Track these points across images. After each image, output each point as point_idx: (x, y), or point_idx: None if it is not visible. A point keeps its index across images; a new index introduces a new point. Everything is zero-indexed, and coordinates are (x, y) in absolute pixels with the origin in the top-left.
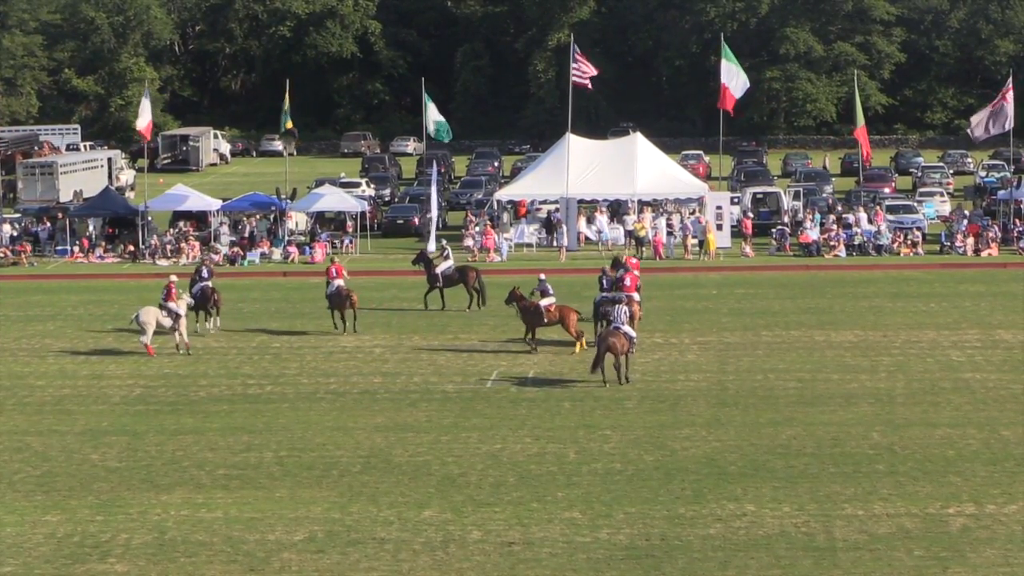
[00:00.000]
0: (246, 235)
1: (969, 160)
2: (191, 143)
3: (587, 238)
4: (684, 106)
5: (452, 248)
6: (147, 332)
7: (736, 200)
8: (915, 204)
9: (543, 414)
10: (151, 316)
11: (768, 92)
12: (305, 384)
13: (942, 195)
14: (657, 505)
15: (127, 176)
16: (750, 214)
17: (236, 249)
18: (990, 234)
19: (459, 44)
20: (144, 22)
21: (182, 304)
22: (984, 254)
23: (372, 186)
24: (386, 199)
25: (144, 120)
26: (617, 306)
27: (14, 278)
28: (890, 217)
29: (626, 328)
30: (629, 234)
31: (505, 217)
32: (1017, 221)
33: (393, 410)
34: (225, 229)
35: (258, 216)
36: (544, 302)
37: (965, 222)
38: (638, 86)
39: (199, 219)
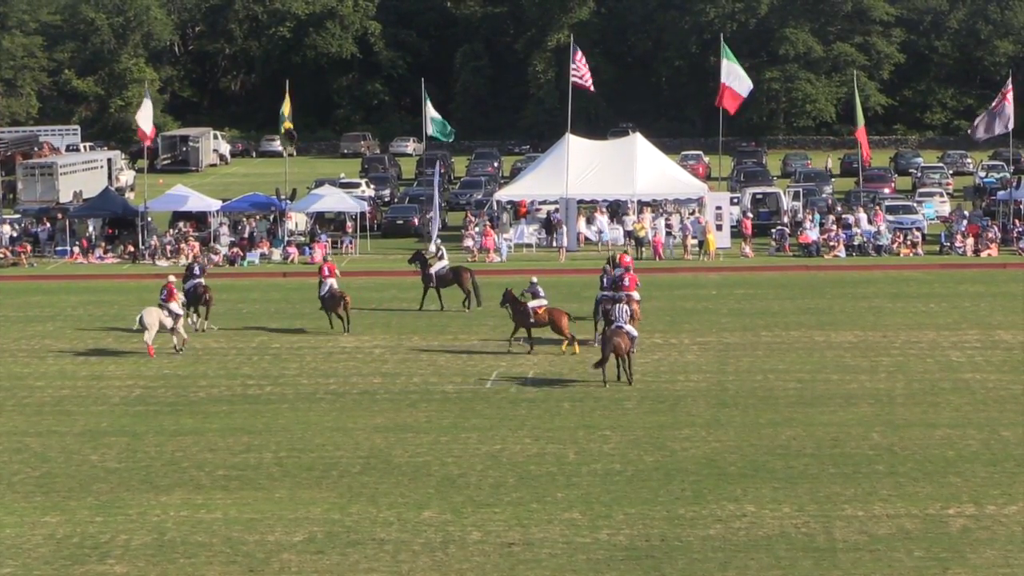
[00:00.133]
0: (246, 236)
1: (969, 160)
2: (191, 144)
3: (587, 238)
4: (684, 106)
5: (452, 248)
6: (151, 332)
7: (736, 200)
8: (915, 204)
9: (543, 415)
10: (154, 317)
11: (767, 92)
12: (305, 385)
13: (942, 195)
14: (657, 506)
15: (127, 177)
16: (750, 214)
17: (236, 250)
18: (990, 234)
19: (459, 45)
20: (144, 23)
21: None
22: (984, 254)
23: (372, 187)
24: (386, 200)
25: (148, 124)
26: (618, 305)
27: (14, 279)
28: (890, 217)
29: (628, 327)
30: (628, 234)
31: (505, 217)
32: (1017, 221)
33: (393, 411)
34: (225, 230)
35: (258, 217)
36: (533, 304)
37: (965, 222)
38: (638, 87)
39: (199, 220)
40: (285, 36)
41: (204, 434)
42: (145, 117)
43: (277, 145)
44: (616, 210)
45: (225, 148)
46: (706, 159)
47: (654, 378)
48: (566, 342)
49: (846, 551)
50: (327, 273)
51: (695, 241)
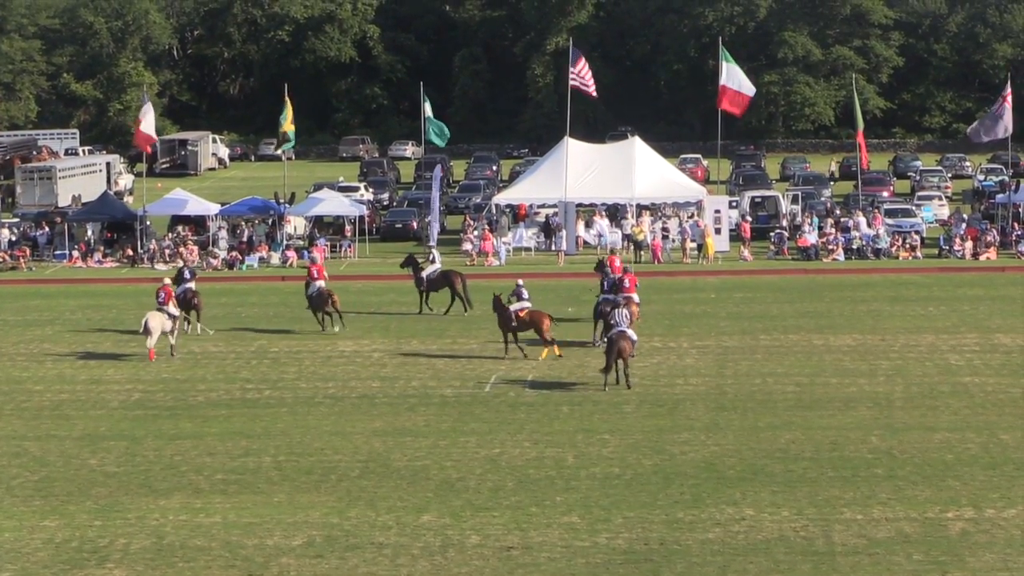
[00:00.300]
0: (244, 240)
1: (967, 164)
2: (190, 147)
3: (585, 242)
4: (682, 110)
5: (451, 252)
6: (153, 336)
7: (734, 204)
8: (913, 208)
9: (542, 418)
10: (158, 321)
11: (766, 96)
12: (303, 388)
13: (940, 199)
14: (656, 509)
15: (126, 180)
16: (748, 218)
17: (234, 254)
18: (988, 238)
19: (457, 48)
20: (143, 27)
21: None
22: (982, 258)
23: (370, 190)
24: (385, 203)
25: (151, 130)
26: (617, 310)
27: (12, 283)
28: (888, 221)
29: (629, 331)
30: (627, 238)
31: (504, 221)
32: (1015, 225)
33: (391, 414)
34: (223, 234)
35: (256, 221)
36: (515, 307)
37: (963, 226)
38: (636, 90)
39: (197, 224)
40: (284, 40)
41: (203, 438)
42: (148, 123)
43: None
44: (614, 214)
45: (224, 152)
46: (705, 163)
47: (653, 382)
48: (546, 349)
49: (845, 555)
50: (315, 275)
51: (694, 245)
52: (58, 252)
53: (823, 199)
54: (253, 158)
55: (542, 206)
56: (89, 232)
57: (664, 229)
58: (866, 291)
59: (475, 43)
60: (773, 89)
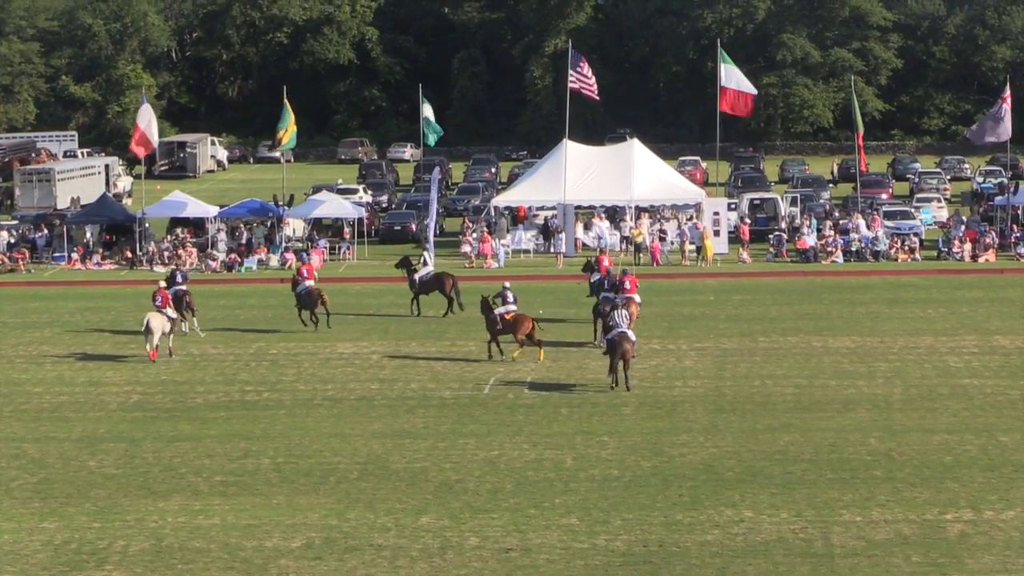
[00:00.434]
0: (243, 242)
1: (966, 166)
2: (188, 150)
3: (584, 244)
4: (681, 112)
5: (450, 254)
6: (155, 336)
7: (733, 206)
8: (912, 210)
9: (540, 420)
10: (159, 321)
11: (765, 98)
12: (302, 391)
13: (939, 201)
14: (654, 511)
15: (124, 183)
16: (747, 220)
17: (233, 256)
18: (987, 240)
19: (456, 50)
20: (141, 29)
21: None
22: (981, 260)
23: (369, 192)
24: (383, 205)
25: (153, 132)
26: (616, 311)
27: (11, 285)
28: (887, 223)
29: (629, 332)
30: (625, 240)
31: (502, 223)
32: (1014, 227)
33: (390, 416)
34: (222, 236)
35: (255, 223)
36: (500, 310)
37: (962, 228)
38: (635, 92)
39: (196, 226)
40: (283, 42)
41: (202, 440)
42: (151, 129)
43: (275, 151)
44: (613, 216)
45: (222, 154)
46: (703, 165)
47: (652, 384)
48: (517, 348)
49: (844, 557)
50: (305, 275)
51: (693, 247)
52: (57, 254)
53: (822, 201)
54: (252, 160)
55: (541, 208)
56: (88, 234)
57: (661, 231)
58: (865, 293)
59: (474, 45)
60: (772, 91)
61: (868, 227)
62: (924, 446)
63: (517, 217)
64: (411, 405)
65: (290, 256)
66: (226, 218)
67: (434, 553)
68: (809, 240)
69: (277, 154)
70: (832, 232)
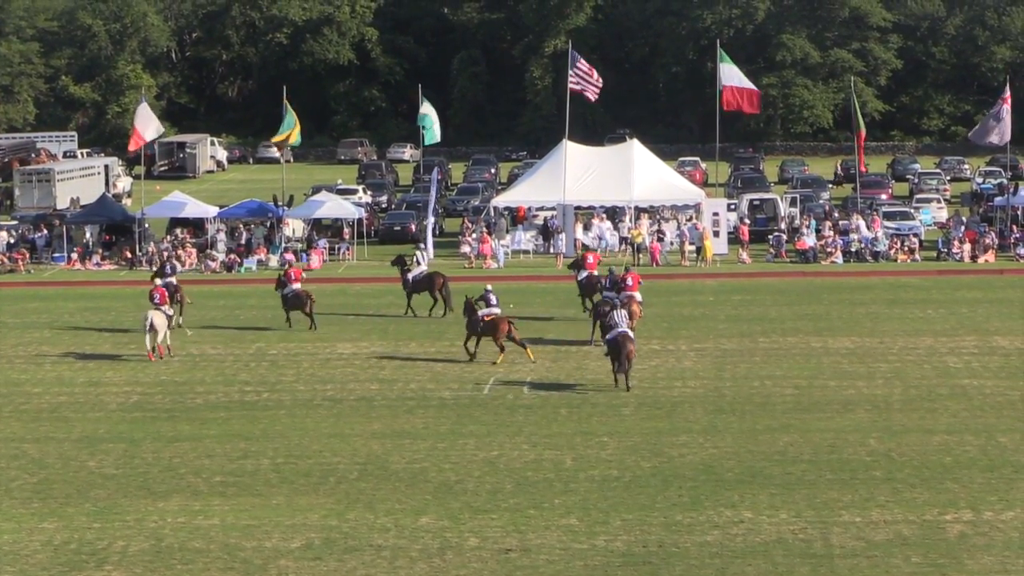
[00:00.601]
0: (243, 242)
1: (966, 166)
2: (188, 150)
3: (584, 245)
4: (680, 112)
5: (450, 255)
6: (159, 333)
7: (733, 207)
8: (912, 211)
9: (540, 421)
10: (162, 319)
11: (765, 99)
12: (302, 391)
13: (939, 201)
14: (654, 512)
15: (124, 183)
16: (747, 220)
17: (233, 256)
18: (987, 240)
19: (456, 51)
20: (141, 29)
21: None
22: (981, 260)
23: (369, 193)
24: (383, 206)
25: (149, 127)
26: (615, 311)
27: (11, 285)
28: (887, 223)
29: (630, 332)
30: (623, 240)
31: (502, 223)
32: (1014, 227)
33: (390, 417)
34: (222, 236)
35: (255, 223)
36: (483, 312)
37: (962, 228)
38: (635, 93)
39: (196, 226)
40: (282, 42)
41: (201, 440)
42: (150, 128)
43: (275, 151)
44: (612, 216)
45: (222, 154)
46: (703, 165)
47: (651, 384)
48: (499, 354)
49: (843, 557)
50: (293, 278)
51: (692, 247)
52: (56, 255)
53: (821, 202)
54: (251, 160)
55: (540, 208)
56: (87, 235)
57: (659, 232)
58: (864, 294)
59: (473, 45)
60: (771, 92)
61: (868, 228)
62: (924, 447)
63: (517, 217)
64: (411, 405)
65: (290, 256)
66: (226, 218)
67: (433, 553)
68: (809, 241)
69: (277, 153)
70: (832, 233)
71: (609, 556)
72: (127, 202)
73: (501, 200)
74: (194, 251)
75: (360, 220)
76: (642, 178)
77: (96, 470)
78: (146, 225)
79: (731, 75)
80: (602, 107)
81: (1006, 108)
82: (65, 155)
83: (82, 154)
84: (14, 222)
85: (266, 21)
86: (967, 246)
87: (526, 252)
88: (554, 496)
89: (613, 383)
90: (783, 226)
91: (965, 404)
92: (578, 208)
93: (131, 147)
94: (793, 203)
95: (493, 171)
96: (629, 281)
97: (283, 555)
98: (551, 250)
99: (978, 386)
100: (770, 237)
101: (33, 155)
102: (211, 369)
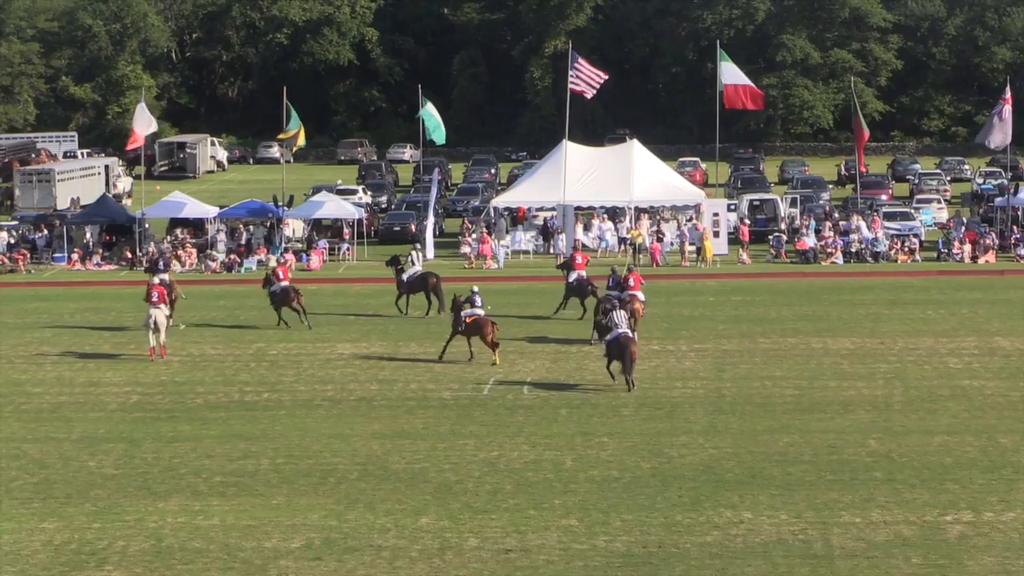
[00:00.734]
0: (243, 242)
1: (966, 167)
2: (188, 150)
3: (584, 245)
4: (680, 113)
5: (450, 255)
6: (161, 332)
7: (733, 207)
8: (912, 211)
9: (540, 421)
10: (164, 318)
11: (765, 99)
12: (302, 391)
13: (939, 202)
14: (654, 512)
15: (124, 183)
16: (747, 221)
17: (233, 256)
18: (987, 241)
19: (456, 51)
20: (141, 29)
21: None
22: (981, 261)
23: (369, 193)
24: (383, 206)
25: (149, 128)
26: (615, 311)
27: (11, 285)
28: (887, 224)
29: (631, 332)
30: (623, 241)
31: (502, 224)
32: (1014, 228)
33: (390, 417)
34: (222, 236)
35: (255, 223)
36: (466, 312)
37: (962, 229)
38: (635, 93)
39: (196, 226)
40: (282, 43)
41: (201, 440)
42: (147, 123)
43: (275, 151)
44: (613, 217)
45: (222, 155)
46: (703, 166)
47: (651, 385)
48: (495, 354)
49: (843, 558)
50: (281, 277)
51: (692, 248)
52: (57, 255)
53: (821, 202)
54: (251, 161)
55: (540, 209)
56: (88, 235)
57: (659, 232)
58: (865, 294)
59: (473, 46)
60: (772, 92)
61: (868, 228)
62: (924, 448)
63: (517, 218)
64: (411, 406)
65: (289, 257)
66: (226, 219)
67: (433, 554)
68: (809, 241)
69: (277, 153)
70: (832, 233)
71: (609, 557)
72: (127, 202)
73: (501, 200)
74: (194, 251)
75: (360, 220)
76: (642, 178)
77: (96, 470)
78: (146, 225)
79: (732, 74)
80: (602, 107)
81: (1008, 108)
82: (65, 155)
83: (82, 154)
84: (14, 222)
85: (266, 21)
86: (967, 247)
87: (526, 252)
88: (554, 496)
89: (611, 380)
90: (783, 227)
91: (965, 405)
92: (578, 208)
93: (128, 146)
94: (793, 204)
95: (493, 171)
96: (631, 281)
97: (283, 555)
98: (551, 250)
99: (979, 387)
100: (770, 238)
101: (33, 155)
102: (211, 369)
